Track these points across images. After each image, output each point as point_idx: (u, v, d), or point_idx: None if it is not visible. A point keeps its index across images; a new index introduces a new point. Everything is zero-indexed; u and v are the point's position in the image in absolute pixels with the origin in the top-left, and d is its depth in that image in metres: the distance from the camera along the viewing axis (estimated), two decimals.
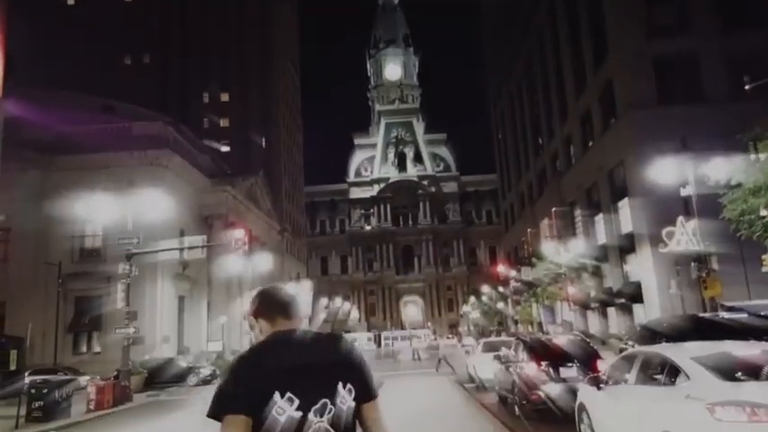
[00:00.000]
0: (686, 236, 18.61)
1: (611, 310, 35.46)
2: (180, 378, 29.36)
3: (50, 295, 32.40)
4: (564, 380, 11.01)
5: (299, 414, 2.04)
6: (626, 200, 32.15)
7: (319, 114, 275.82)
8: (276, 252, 63.20)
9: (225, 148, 71.72)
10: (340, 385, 2.13)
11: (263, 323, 2.33)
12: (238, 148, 72.38)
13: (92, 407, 17.56)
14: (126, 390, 19.58)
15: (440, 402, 14.05)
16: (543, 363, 11.32)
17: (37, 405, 15.22)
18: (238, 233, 23.28)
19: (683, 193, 18.38)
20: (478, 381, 18.31)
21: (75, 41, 68.18)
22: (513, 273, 46.20)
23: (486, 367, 16.39)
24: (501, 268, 51.58)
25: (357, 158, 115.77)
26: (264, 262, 43.73)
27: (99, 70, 67.02)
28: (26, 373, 23.83)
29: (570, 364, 11.28)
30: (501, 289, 57.17)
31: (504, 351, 14.07)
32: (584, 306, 36.59)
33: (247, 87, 75.05)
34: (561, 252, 34.86)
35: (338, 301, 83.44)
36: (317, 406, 2.06)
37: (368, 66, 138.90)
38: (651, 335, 13.77)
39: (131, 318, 21.05)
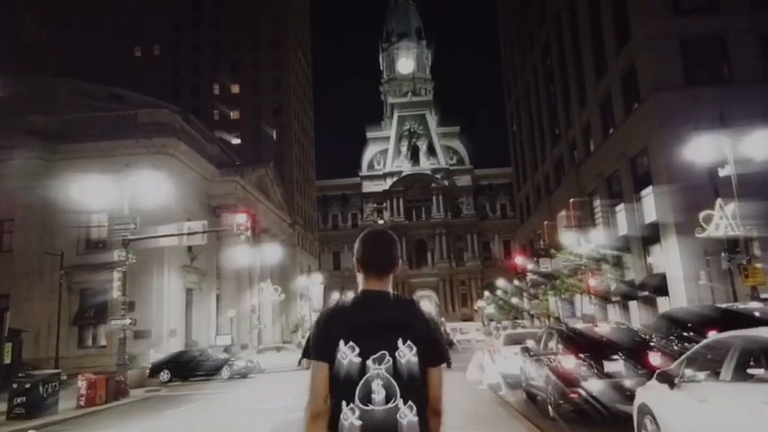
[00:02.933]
0: (725, 220, 17.20)
1: (633, 304, 34.12)
2: (213, 371, 28.42)
3: (55, 287, 31.58)
4: (608, 375, 9.55)
5: (358, 360, 2.36)
6: (650, 188, 30.80)
7: (331, 108, 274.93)
8: (287, 245, 62.27)
9: (236, 141, 70.87)
10: (400, 341, 2.39)
11: (360, 275, 2.63)
12: (249, 140, 71.57)
13: (82, 403, 16.42)
14: (121, 385, 18.44)
15: (458, 401, 12.70)
16: (582, 355, 9.92)
17: (19, 401, 14.10)
18: (240, 218, 22.00)
19: (722, 173, 16.95)
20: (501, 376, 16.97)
21: (85, 32, 67.50)
22: (529, 265, 44.83)
23: (508, 361, 15.06)
24: (518, 259, 50.14)
25: (370, 152, 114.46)
26: (274, 253, 42.70)
27: (109, 62, 66.26)
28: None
29: (615, 357, 9.75)
30: (517, 282, 55.77)
31: (531, 343, 12.73)
32: (605, 299, 35.23)
33: (258, 79, 74.18)
34: (581, 242, 33.48)
35: (350, 295, 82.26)
36: (375, 355, 2.36)
37: (380, 59, 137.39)
38: (669, 324, 13.00)
39: (128, 308, 19.99)
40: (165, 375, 28.02)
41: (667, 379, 5.87)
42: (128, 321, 19.74)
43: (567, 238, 36.10)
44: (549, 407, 10.65)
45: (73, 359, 30.18)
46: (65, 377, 18.52)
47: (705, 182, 21.66)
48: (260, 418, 13.47)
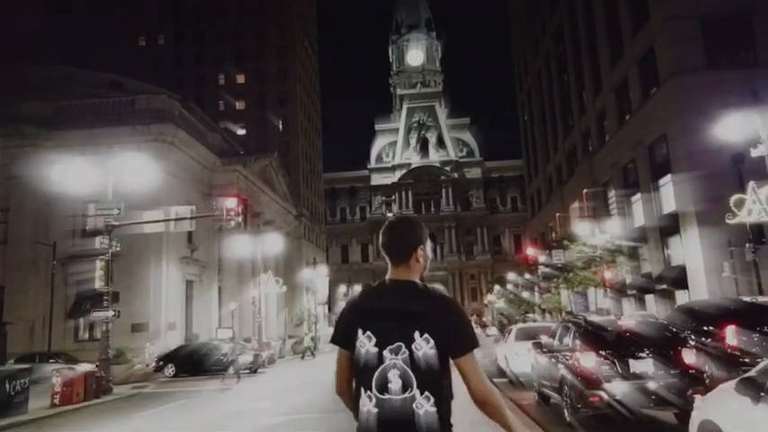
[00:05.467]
0: (759, 204, 15.82)
1: (650, 298, 32.80)
2: (219, 365, 26.53)
3: (50, 279, 30.63)
4: (635, 375, 8.26)
5: (375, 350, 2.39)
6: (668, 176, 29.48)
7: (340, 100, 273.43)
8: (293, 237, 61.24)
9: (241, 131, 69.75)
10: (416, 333, 2.37)
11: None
12: (254, 130, 70.41)
13: (56, 401, 15.17)
14: (102, 381, 17.23)
15: (462, 403, 11.44)
16: (604, 352, 8.62)
17: None
18: (230, 202, 20.71)
19: (754, 153, 15.59)
20: (512, 375, 15.54)
21: (88, 20, 66.57)
22: (541, 257, 43.49)
23: (520, 359, 13.74)
24: (530, 250, 48.77)
25: (378, 144, 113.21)
26: (278, 245, 41.57)
27: (112, 51, 65.25)
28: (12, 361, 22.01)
29: (643, 355, 8.46)
30: (528, 276, 54.43)
31: (544, 339, 11.42)
32: (621, 292, 33.89)
33: (264, 69, 73.01)
34: (596, 233, 32.14)
35: (357, 288, 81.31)
36: (392, 346, 2.37)
37: (390, 51, 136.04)
38: (685, 318, 12.03)
39: (111, 299, 18.87)
40: (169, 370, 26.75)
41: (750, 390, 4.27)
42: (111, 313, 18.61)
43: (581, 228, 34.75)
44: (565, 411, 9.37)
45: (69, 353, 29.15)
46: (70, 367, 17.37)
47: (728, 168, 20.45)
48: (236, 421, 12.29)
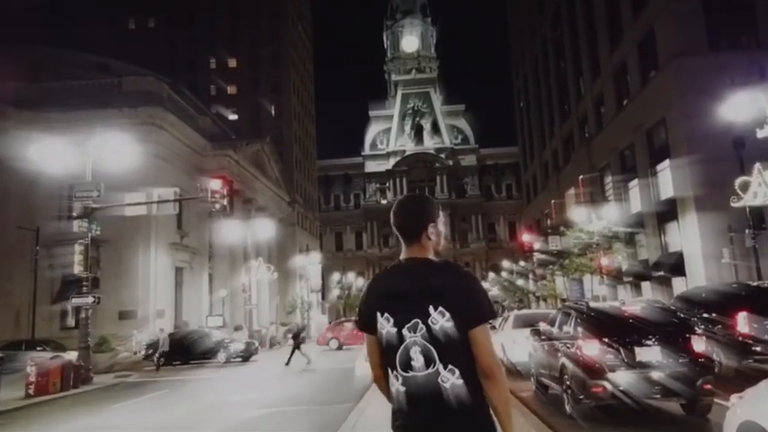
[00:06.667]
0: (764, 186, 15.31)
1: (646, 285, 32.50)
2: (209, 354, 26.09)
3: (38, 264, 29.95)
4: (641, 364, 7.76)
5: (395, 330, 2.41)
6: (667, 161, 29.01)
7: (334, 86, 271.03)
8: (287, 224, 60.57)
9: (233, 117, 68.69)
10: (431, 308, 2.37)
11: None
12: (246, 115, 69.37)
13: (31, 391, 14.52)
14: (80, 370, 16.56)
15: None
16: (608, 340, 8.08)
17: None
18: (215, 184, 20.00)
19: (760, 134, 15.05)
20: (509, 364, 14.95)
21: (77, 3, 65.28)
22: (537, 244, 43.04)
23: (518, 347, 13.22)
24: (526, 237, 48.26)
25: (372, 130, 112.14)
26: (269, 230, 40.90)
27: (101, 34, 63.99)
28: None
29: (649, 342, 7.93)
30: (522, 263, 54.09)
31: (543, 326, 10.87)
32: (617, 279, 33.51)
33: (257, 53, 71.86)
34: (593, 219, 31.67)
35: (351, 276, 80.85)
36: (409, 324, 2.38)
37: (384, 37, 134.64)
38: (688, 307, 11.66)
39: (90, 285, 18.21)
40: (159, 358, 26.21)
41: None
42: (90, 300, 17.99)
43: (578, 215, 34.27)
44: (566, 402, 8.84)
45: (56, 340, 28.51)
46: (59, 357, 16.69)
47: (728, 153, 19.99)
48: (216, 414, 11.72)
